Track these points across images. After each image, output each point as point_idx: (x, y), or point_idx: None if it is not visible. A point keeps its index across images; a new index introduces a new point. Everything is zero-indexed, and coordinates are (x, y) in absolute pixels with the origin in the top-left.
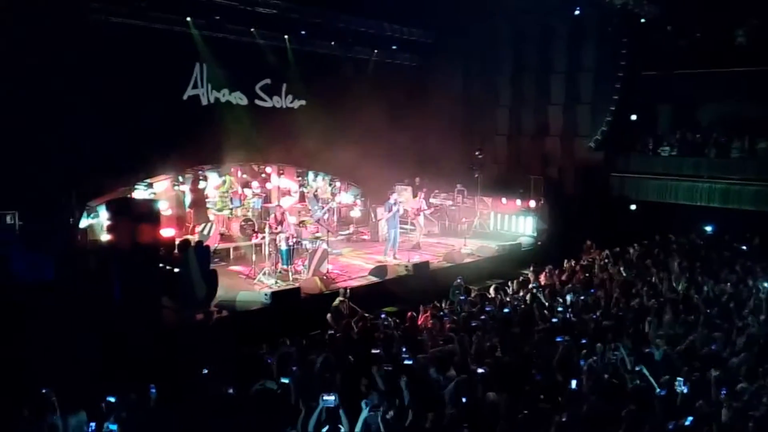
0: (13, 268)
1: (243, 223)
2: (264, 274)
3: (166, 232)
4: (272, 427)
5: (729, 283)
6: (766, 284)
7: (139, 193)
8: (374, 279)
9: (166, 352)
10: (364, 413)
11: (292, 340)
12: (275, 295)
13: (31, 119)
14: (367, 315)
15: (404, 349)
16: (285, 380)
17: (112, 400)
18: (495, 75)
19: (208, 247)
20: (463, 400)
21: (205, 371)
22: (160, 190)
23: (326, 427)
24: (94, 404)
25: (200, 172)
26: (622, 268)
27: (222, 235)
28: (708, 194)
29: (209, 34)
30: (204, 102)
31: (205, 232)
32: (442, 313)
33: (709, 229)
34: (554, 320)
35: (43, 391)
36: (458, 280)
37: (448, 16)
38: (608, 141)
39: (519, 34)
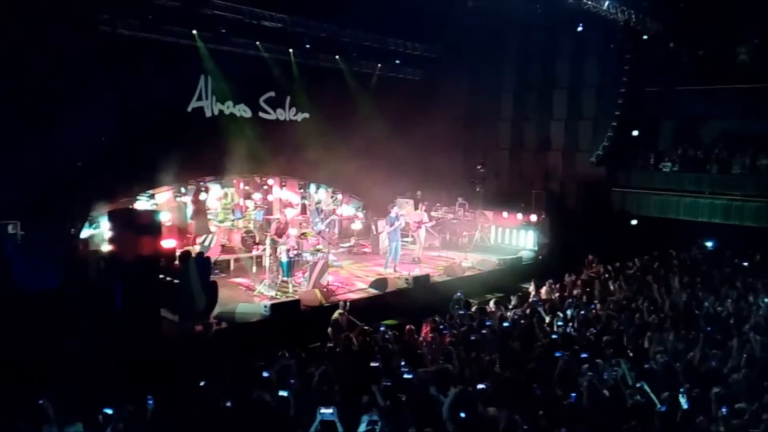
0: (14, 278)
1: (244, 235)
2: (264, 285)
3: (167, 243)
4: None
5: (730, 300)
6: (767, 300)
7: (141, 203)
8: (374, 292)
9: (164, 363)
10: (362, 428)
11: (291, 352)
12: (275, 307)
13: (34, 130)
14: (366, 328)
15: (403, 363)
16: (283, 393)
17: (110, 411)
18: (498, 89)
19: (208, 258)
20: (462, 415)
21: (203, 383)
22: (161, 201)
23: None
24: (91, 415)
25: (202, 184)
26: (622, 284)
27: (223, 246)
28: (709, 210)
29: (215, 47)
30: (208, 114)
31: (206, 244)
32: (441, 326)
33: (709, 244)
34: (554, 335)
35: (40, 401)
36: (458, 294)
37: (451, 31)
38: (610, 156)
39: (522, 49)
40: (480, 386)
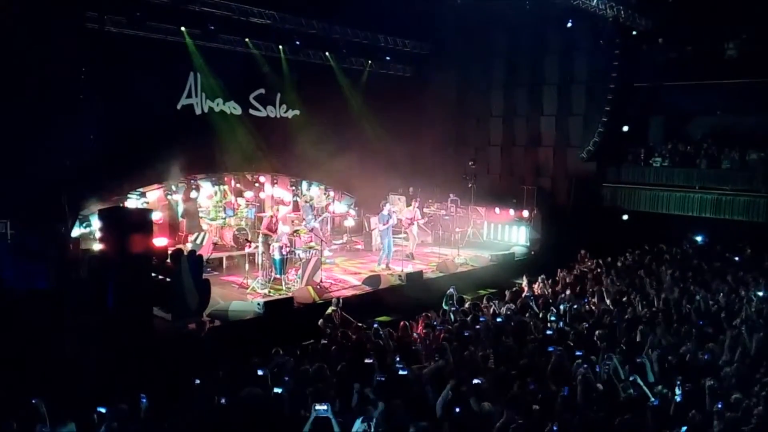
0: (4, 278)
1: (236, 233)
2: (257, 283)
3: (159, 241)
4: None
5: (721, 294)
6: (759, 293)
7: (132, 202)
8: (367, 288)
9: (158, 361)
10: (357, 425)
11: (285, 349)
12: (268, 305)
13: (23, 128)
14: (360, 324)
15: (398, 359)
16: (278, 390)
17: (103, 410)
18: (488, 86)
19: (200, 256)
20: (456, 410)
21: (197, 381)
22: (152, 200)
23: None
24: (85, 415)
25: (193, 182)
26: (614, 278)
27: (215, 244)
28: (699, 205)
29: (204, 43)
30: (198, 111)
31: (198, 242)
32: (435, 323)
33: (699, 239)
34: (547, 330)
35: (33, 401)
36: (451, 290)
37: (441, 28)
38: (600, 152)
39: (512, 45)
40: (475, 381)
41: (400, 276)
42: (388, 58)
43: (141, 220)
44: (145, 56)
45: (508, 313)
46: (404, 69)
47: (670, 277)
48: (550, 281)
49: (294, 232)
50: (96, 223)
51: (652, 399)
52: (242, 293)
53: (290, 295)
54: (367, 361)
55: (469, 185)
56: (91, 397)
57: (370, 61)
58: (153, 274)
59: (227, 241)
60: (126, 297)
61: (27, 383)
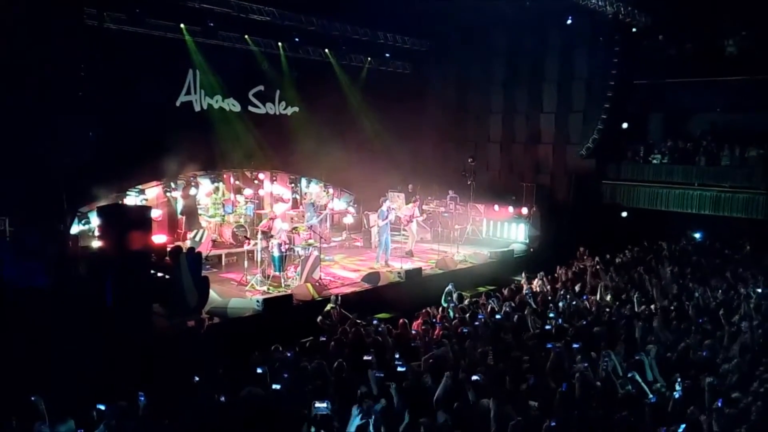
0: (3, 275)
1: (235, 230)
2: (256, 280)
3: (158, 238)
4: None
5: (720, 290)
6: (758, 290)
7: (131, 199)
8: (366, 285)
9: (157, 359)
10: (356, 420)
11: (284, 346)
12: (267, 302)
13: (22, 125)
14: (359, 321)
15: (397, 356)
16: (276, 387)
17: (102, 407)
18: (488, 83)
19: (199, 253)
20: (455, 405)
21: (196, 379)
22: (151, 197)
23: None
24: (83, 412)
25: (192, 179)
26: (613, 275)
27: (214, 241)
28: (699, 202)
29: (203, 40)
30: (197, 108)
31: (197, 239)
32: (434, 319)
33: (697, 236)
34: (546, 327)
35: (32, 398)
36: (450, 287)
37: (441, 24)
38: (600, 149)
39: (512, 42)
40: (474, 377)
41: (399, 273)
42: (387, 54)
43: (140, 218)
44: (144, 53)
45: (507, 310)
46: (404, 66)
47: (669, 274)
48: (549, 278)
49: (293, 229)
50: (95, 221)
51: (651, 396)
52: (241, 290)
53: (289, 292)
54: (366, 357)
55: (469, 182)
56: (91, 394)
57: (369, 58)
58: (152, 272)
59: (226, 239)
60: (125, 294)
61: (26, 381)
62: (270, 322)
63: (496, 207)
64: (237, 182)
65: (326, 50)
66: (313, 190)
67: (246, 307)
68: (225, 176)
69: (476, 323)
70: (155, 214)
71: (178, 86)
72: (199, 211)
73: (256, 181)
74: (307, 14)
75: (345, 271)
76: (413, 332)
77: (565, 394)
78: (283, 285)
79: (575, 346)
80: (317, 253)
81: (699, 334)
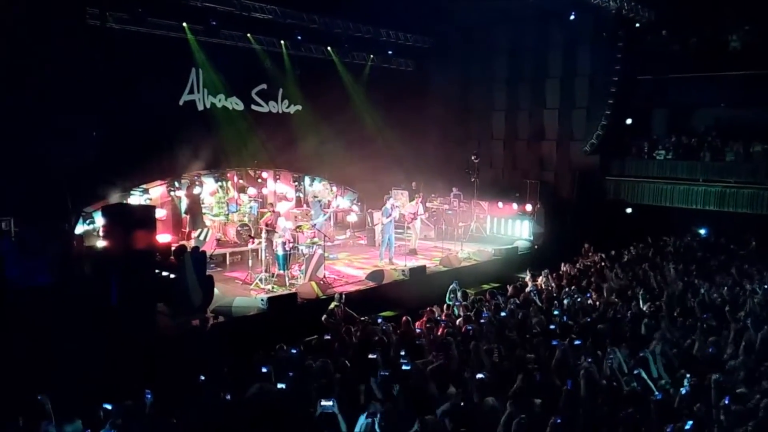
0: (8, 275)
1: (239, 229)
2: (260, 279)
3: (162, 237)
4: None
5: (725, 287)
6: (765, 286)
7: (135, 198)
8: (371, 284)
9: (162, 358)
10: (362, 420)
11: (289, 345)
12: (272, 301)
13: (26, 125)
14: (363, 319)
15: (402, 354)
16: (281, 386)
17: (108, 407)
18: (491, 80)
19: (204, 252)
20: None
21: (202, 377)
22: (155, 196)
23: None
24: (90, 411)
25: (196, 178)
26: (618, 272)
27: (218, 240)
28: (703, 197)
29: (205, 39)
30: (200, 107)
31: (202, 238)
32: (438, 317)
33: (702, 232)
34: (551, 324)
35: (39, 398)
36: (454, 285)
37: (444, 22)
38: (604, 145)
39: (515, 39)
40: (479, 376)
41: (403, 271)
42: (390, 52)
43: (144, 217)
44: (147, 52)
45: (512, 307)
46: (406, 63)
47: (674, 271)
48: (553, 275)
49: (297, 227)
50: (99, 220)
51: (656, 393)
52: (246, 289)
53: (294, 290)
54: (370, 356)
55: (472, 179)
56: (97, 393)
57: (372, 56)
58: (156, 271)
59: (230, 237)
60: (130, 293)
61: (32, 380)
62: (274, 320)
63: (500, 204)
64: (241, 181)
65: (329, 48)
66: (317, 188)
67: (251, 305)
68: (229, 175)
69: (481, 321)
70: (160, 213)
71: (181, 85)
72: (204, 210)
73: (259, 180)
74: (309, 12)
75: (350, 269)
76: (417, 330)
77: (571, 392)
78: (287, 284)
79: (578, 342)
80: (321, 252)
81: (704, 330)
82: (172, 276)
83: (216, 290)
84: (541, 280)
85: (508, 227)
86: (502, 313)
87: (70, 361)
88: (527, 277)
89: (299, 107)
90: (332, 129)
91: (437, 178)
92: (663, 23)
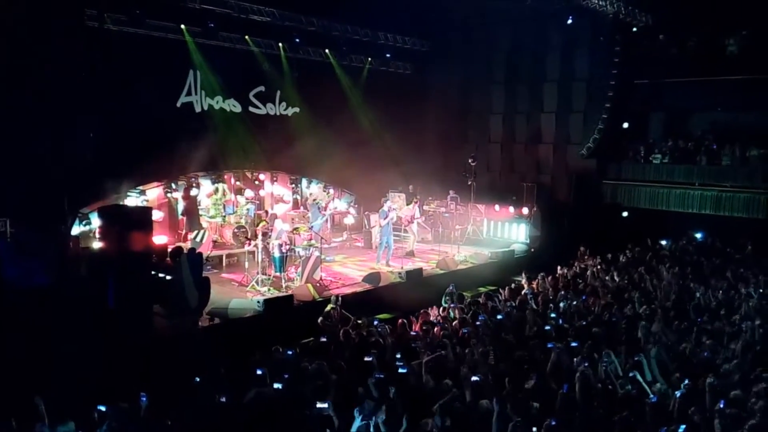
0: (4, 276)
1: (236, 230)
2: (257, 281)
3: (159, 239)
4: None
5: (720, 290)
6: (760, 290)
7: (131, 200)
8: (367, 286)
9: (158, 360)
10: (357, 422)
11: (285, 347)
12: (268, 303)
13: (23, 126)
14: (359, 321)
15: (398, 356)
16: (277, 386)
17: (103, 409)
18: (488, 83)
19: (200, 254)
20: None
21: (197, 379)
22: (152, 198)
23: None
24: (85, 413)
25: (193, 180)
26: (614, 275)
27: (215, 242)
28: (700, 201)
29: (203, 41)
30: (198, 109)
31: (198, 240)
32: (434, 320)
33: (699, 236)
34: (547, 327)
35: (34, 399)
36: (450, 287)
37: (442, 25)
38: (600, 149)
39: (512, 42)
40: (474, 378)
41: (400, 273)
42: (388, 55)
43: (141, 219)
44: (144, 54)
45: (508, 310)
46: (404, 66)
47: (669, 274)
48: (549, 278)
49: (294, 229)
50: (96, 221)
51: (651, 396)
52: (242, 291)
53: (290, 292)
54: (366, 358)
55: (469, 182)
56: (92, 395)
57: (370, 59)
58: (153, 272)
59: (227, 239)
60: (126, 295)
61: (26, 381)
62: (271, 322)
63: (497, 207)
64: (238, 183)
65: (327, 51)
66: (314, 190)
67: (247, 307)
68: (226, 177)
69: (477, 323)
70: (156, 215)
71: (179, 87)
72: (200, 212)
73: (256, 182)
74: (307, 15)
75: (349, 268)
76: (413, 333)
77: (567, 395)
78: (283, 286)
79: (575, 345)
80: (318, 254)
81: (699, 334)
82: (168, 278)
83: (212, 292)
84: (537, 282)
85: (505, 230)
86: (499, 316)
87: (66, 363)
88: (523, 280)
89: (297, 109)
90: (330, 131)
91: (434, 181)
92: (660, 27)
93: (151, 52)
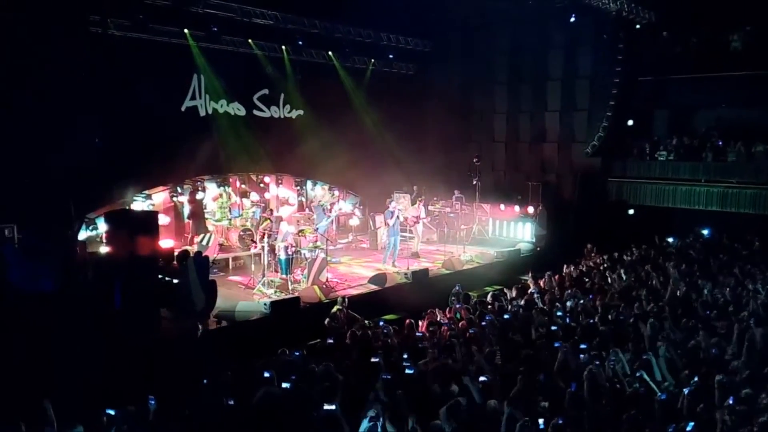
0: (12, 281)
1: (242, 233)
2: (263, 284)
3: (165, 243)
4: None
5: (728, 287)
6: None
7: (138, 204)
8: (373, 287)
9: (165, 363)
10: (365, 425)
11: (292, 349)
12: (274, 305)
13: (29, 132)
14: (366, 322)
15: (405, 357)
16: (286, 385)
17: (112, 412)
18: (492, 82)
19: (207, 257)
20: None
21: (205, 382)
22: (158, 202)
23: None
24: (93, 417)
25: (198, 183)
26: (621, 273)
27: (221, 245)
28: (706, 198)
29: (207, 45)
30: (202, 113)
31: (204, 243)
32: (440, 320)
33: (705, 232)
34: (554, 326)
35: (43, 403)
36: (457, 288)
37: (444, 25)
38: (605, 147)
39: (515, 41)
40: (481, 378)
41: (405, 274)
42: (391, 56)
43: (147, 223)
44: (148, 59)
45: (515, 309)
46: (407, 67)
47: (676, 271)
48: (556, 277)
49: (299, 232)
50: (102, 226)
51: (659, 394)
52: (249, 293)
53: (296, 294)
54: (373, 359)
55: (474, 182)
56: (100, 399)
57: (373, 60)
58: (160, 276)
59: (233, 242)
60: (133, 299)
61: (34, 385)
62: (277, 325)
63: (502, 206)
64: (243, 186)
65: (329, 53)
66: (318, 192)
67: (253, 310)
68: (231, 180)
69: (483, 323)
70: (163, 219)
71: (183, 91)
72: (206, 216)
73: (262, 185)
74: (309, 17)
75: (355, 269)
76: (419, 334)
77: (574, 394)
78: (290, 288)
79: (583, 345)
80: (324, 255)
81: (707, 331)
82: (175, 281)
83: (219, 295)
84: (543, 281)
85: (511, 229)
86: (505, 316)
87: (73, 367)
88: (530, 279)
89: (301, 112)
90: (334, 133)
91: (439, 181)
92: (663, 24)
93: (155, 56)
